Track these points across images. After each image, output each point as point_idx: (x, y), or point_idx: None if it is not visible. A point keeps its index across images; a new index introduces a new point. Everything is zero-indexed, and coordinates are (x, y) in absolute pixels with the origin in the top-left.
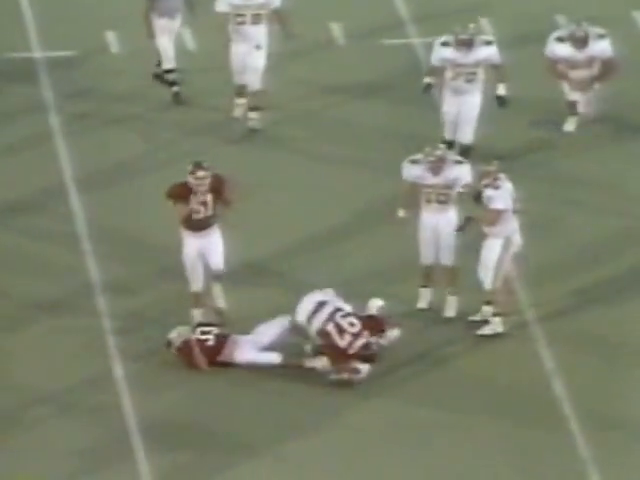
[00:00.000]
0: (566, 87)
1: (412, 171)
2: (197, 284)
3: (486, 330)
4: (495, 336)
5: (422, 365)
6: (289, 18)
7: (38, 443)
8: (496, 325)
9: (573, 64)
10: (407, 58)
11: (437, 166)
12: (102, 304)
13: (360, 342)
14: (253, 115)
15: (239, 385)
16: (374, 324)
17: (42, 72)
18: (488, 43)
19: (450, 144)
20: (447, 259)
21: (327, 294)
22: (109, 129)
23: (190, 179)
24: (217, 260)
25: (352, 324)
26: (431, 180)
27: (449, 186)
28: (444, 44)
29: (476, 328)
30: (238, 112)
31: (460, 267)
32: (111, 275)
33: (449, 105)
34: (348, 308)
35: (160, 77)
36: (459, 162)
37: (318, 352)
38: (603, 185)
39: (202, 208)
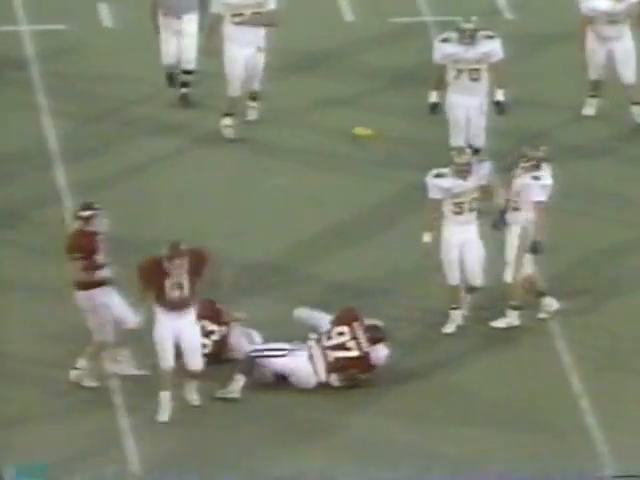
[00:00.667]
0: (591, 63)
1: (441, 185)
2: (168, 362)
3: (501, 323)
4: (509, 329)
5: (435, 359)
6: (280, 24)
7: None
8: (512, 318)
9: (612, 16)
10: (418, 38)
11: (466, 171)
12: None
13: (362, 336)
14: (252, 104)
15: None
16: (349, 315)
17: (29, 47)
18: (490, 37)
19: None
20: (477, 280)
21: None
22: (100, 120)
23: (165, 263)
24: (194, 359)
25: (340, 333)
26: (463, 187)
27: (478, 190)
28: (444, 40)
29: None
30: (229, 133)
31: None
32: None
33: (455, 108)
34: (322, 323)
35: (184, 97)
36: (482, 160)
37: (347, 378)
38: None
39: (177, 291)
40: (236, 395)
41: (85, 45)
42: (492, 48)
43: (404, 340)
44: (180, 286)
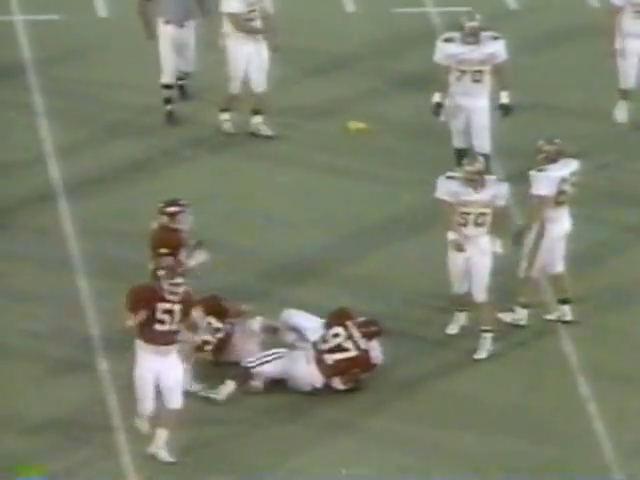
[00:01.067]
0: (622, 70)
1: (450, 187)
2: (147, 407)
3: (507, 317)
4: (516, 332)
5: (440, 361)
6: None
7: None
8: (519, 315)
9: None
10: (422, 29)
11: (477, 181)
12: (94, 328)
13: (357, 334)
14: (259, 120)
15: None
16: (341, 315)
17: (22, 37)
18: (495, 38)
19: (461, 152)
20: (479, 295)
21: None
22: (97, 121)
23: (164, 284)
24: (174, 397)
25: (335, 335)
26: (472, 197)
27: (489, 205)
28: (447, 40)
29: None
30: (228, 127)
31: (495, 303)
32: (102, 295)
33: (456, 112)
34: (310, 326)
35: (182, 89)
36: (499, 181)
37: (350, 380)
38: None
39: (167, 318)
40: (219, 397)
41: (80, 36)
42: (497, 49)
43: (410, 342)
44: (171, 314)
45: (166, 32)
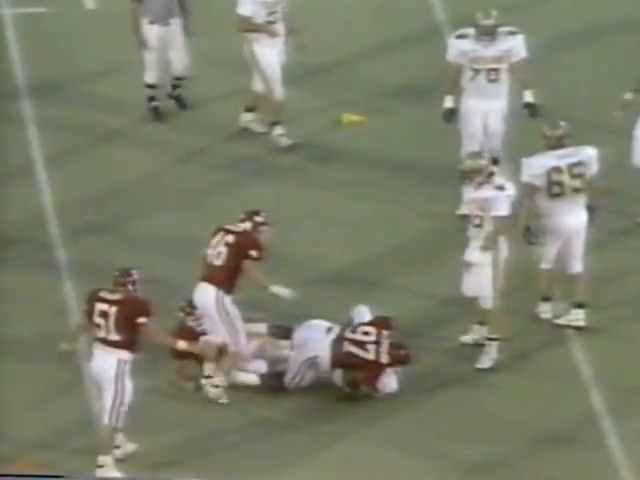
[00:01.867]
0: None
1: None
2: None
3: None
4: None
5: (449, 374)
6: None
7: None
8: (541, 308)
9: None
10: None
11: (473, 179)
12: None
13: (385, 346)
14: (281, 131)
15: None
16: (383, 322)
17: (9, 31)
18: (512, 34)
19: None
20: (484, 301)
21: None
22: (87, 127)
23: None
24: None
25: (366, 332)
26: (469, 195)
27: (483, 208)
28: (460, 36)
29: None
30: (285, 141)
31: (500, 311)
32: None
33: (471, 115)
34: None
35: (178, 98)
36: (500, 187)
37: (351, 380)
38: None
39: None
40: (254, 381)
41: (67, 29)
42: (514, 45)
43: (419, 351)
44: None
45: (151, 32)
